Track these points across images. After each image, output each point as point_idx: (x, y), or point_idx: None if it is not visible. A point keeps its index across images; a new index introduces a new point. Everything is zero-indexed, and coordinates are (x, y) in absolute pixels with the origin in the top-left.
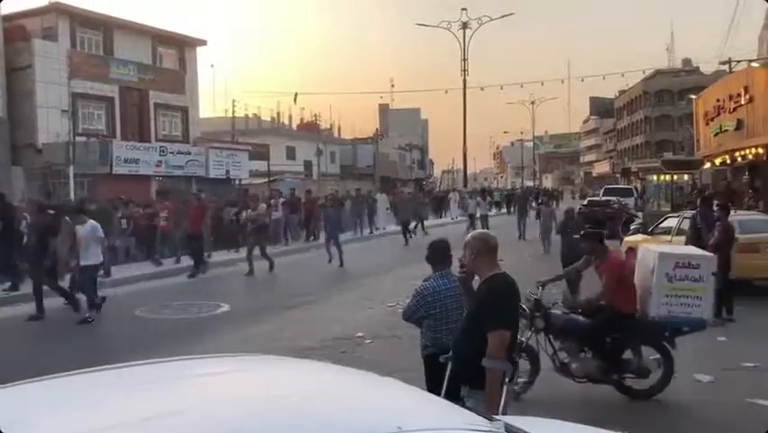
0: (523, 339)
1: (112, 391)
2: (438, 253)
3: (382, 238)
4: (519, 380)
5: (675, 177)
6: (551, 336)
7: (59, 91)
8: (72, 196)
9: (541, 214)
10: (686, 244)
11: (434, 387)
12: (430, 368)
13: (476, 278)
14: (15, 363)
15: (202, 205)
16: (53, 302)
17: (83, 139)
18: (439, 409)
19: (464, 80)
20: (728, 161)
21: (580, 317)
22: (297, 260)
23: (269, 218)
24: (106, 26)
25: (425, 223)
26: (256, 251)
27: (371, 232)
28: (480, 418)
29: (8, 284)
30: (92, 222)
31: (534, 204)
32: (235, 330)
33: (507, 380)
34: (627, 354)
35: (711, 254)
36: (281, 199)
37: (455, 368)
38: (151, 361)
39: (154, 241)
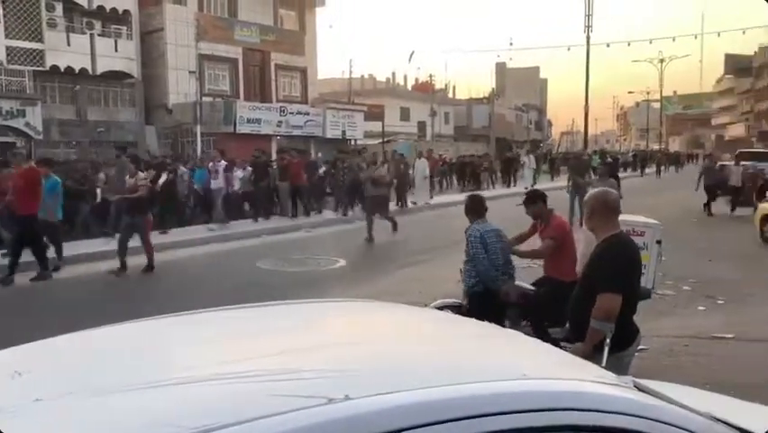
0: (463, 303)
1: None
2: (476, 206)
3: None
4: (640, 348)
5: None
6: None
7: (188, 53)
8: (199, 153)
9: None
10: None
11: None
12: (477, 303)
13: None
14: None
15: (298, 162)
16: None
17: (209, 99)
18: (564, 360)
19: (587, 37)
20: None
21: (525, 285)
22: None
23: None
24: None
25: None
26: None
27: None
28: (609, 373)
29: None
30: None
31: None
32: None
33: (607, 342)
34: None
35: (656, 222)
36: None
37: (569, 332)
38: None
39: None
